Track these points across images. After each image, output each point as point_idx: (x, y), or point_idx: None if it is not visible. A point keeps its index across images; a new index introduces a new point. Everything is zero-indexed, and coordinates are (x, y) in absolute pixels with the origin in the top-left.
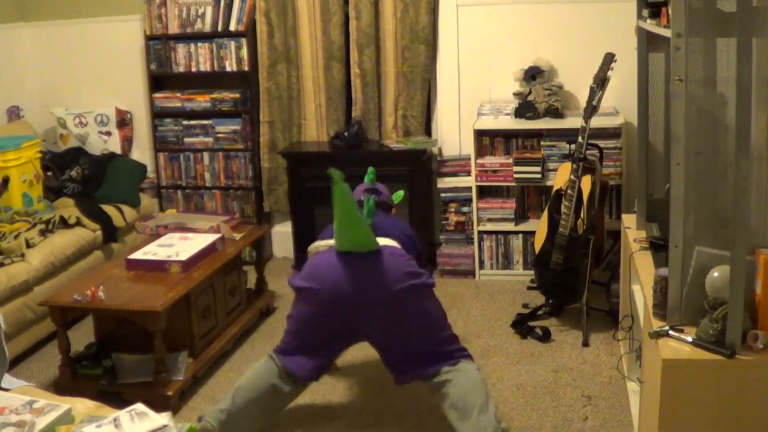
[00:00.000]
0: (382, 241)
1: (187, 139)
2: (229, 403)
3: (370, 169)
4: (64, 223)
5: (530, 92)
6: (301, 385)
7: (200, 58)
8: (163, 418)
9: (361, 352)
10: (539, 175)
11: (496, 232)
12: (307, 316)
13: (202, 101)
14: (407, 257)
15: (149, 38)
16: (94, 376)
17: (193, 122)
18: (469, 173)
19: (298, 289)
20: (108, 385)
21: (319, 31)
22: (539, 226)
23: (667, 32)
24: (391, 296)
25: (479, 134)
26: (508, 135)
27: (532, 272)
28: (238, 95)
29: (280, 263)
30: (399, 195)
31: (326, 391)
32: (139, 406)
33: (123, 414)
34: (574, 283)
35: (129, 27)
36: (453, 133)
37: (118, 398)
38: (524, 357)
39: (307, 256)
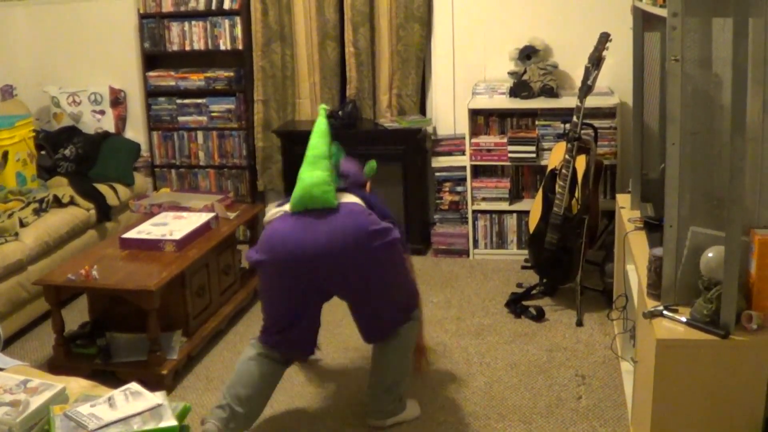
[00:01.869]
0: (343, 197)
1: (181, 118)
2: (227, 400)
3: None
4: (58, 202)
5: (525, 71)
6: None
7: (194, 36)
8: (158, 397)
9: (358, 346)
10: (534, 155)
11: (491, 212)
12: (272, 288)
13: (196, 80)
14: (367, 213)
15: (143, 16)
16: (88, 355)
17: (187, 101)
18: (463, 152)
19: (255, 263)
20: (102, 365)
21: (313, 9)
22: (533, 205)
23: (663, 12)
24: (352, 257)
25: (474, 113)
26: (502, 114)
27: (526, 252)
28: (232, 74)
29: None
30: (371, 166)
31: (324, 384)
32: (134, 386)
33: (117, 393)
34: (568, 263)
35: (123, 5)
36: (447, 112)
37: (112, 377)
38: (518, 336)
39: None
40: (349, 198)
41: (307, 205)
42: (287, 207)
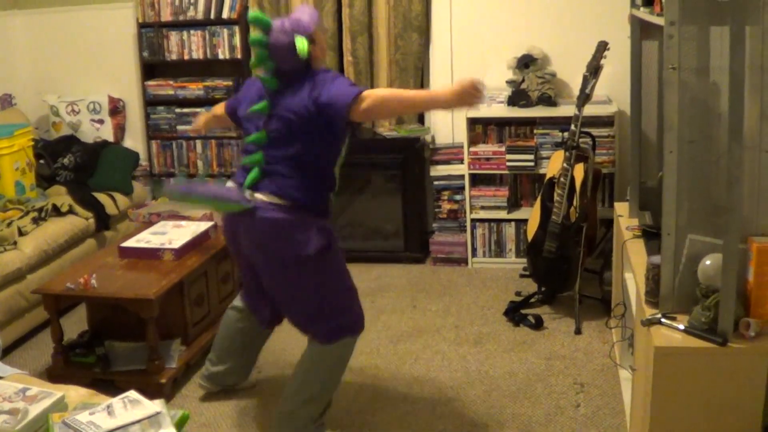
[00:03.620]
0: (260, 196)
1: (179, 127)
2: (212, 360)
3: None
4: (57, 211)
5: (523, 80)
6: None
7: (193, 45)
8: (156, 405)
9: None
10: (532, 163)
11: (489, 220)
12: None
13: (194, 89)
14: (283, 219)
15: (142, 26)
16: (87, 363)
17: (185, 110)
18: (461, 161)
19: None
20: (101, 373)
21: None
22: (532, 214)
23: (660, 20)
24: (265, 259)
25: (472, 122)
26: (501, 123)
27: (524, 260)
28: (230, 83)
29: None
30: (302, 46)
31: None
32: (132, 394)
33: (116, 401)
34: (566, 271)
35: (121, 14)
36: (446, 120)
37: (111, 386)
38: (517, 345)
39: None
40: (268, 199)
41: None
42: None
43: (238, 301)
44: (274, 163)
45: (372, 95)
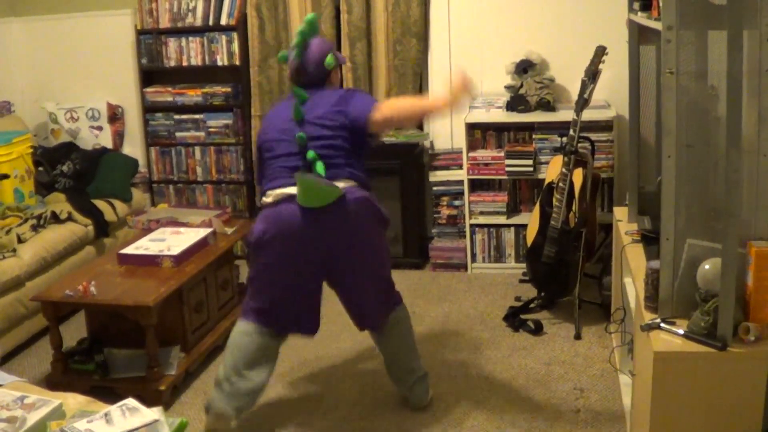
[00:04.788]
0: (340, 184)
1: (178, 134)
2: (227, 375)
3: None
4: (56, 219)
5: (522, 85)
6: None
7: (191, 52)
8: (155, 413)
9: (354, 344)
10: (531, 168)
11: (488, 226)
12: (275, 264)
13: (193, 95)
14: (367, 196)
15: (140, 32)
16: (86, 371)
17: (184, 116)
18: (460, 166)
19: (260, 241)
20: (100, 380)
21: None
22: (531, 219)
23: (657, 25)
24: (354, 239)
25: (471, 127)
26: (499, 128)
27: (524, 265)
28: (229, 89)
29: None
30: (306, 25)
31: (321, 383)
32: (131, 401)
33: (114, 409)
34: (566, 276)
35: (120, 21)
36: (445, 126)
37: (110, 393)
38: (516, 350)
39: (261, 207)
40: (344, 183)
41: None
42: (288, 191)
43: (246, 326)
44: (326, 157)
45: (385, 102)
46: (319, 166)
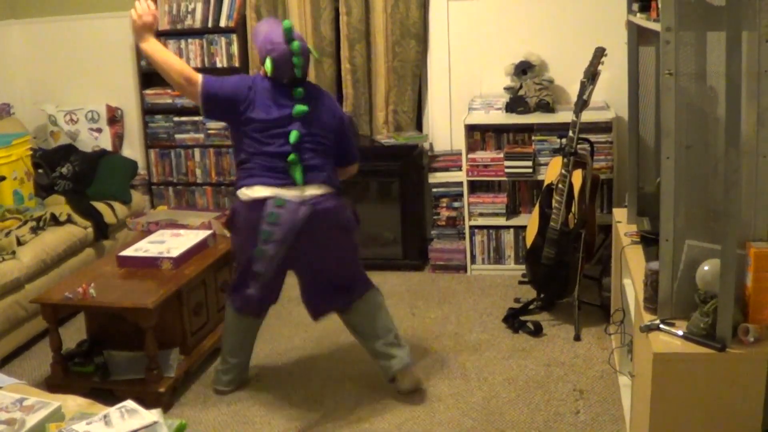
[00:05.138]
0: (315, 190)
1: (177, 136)
2: (226, 356)
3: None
4: (55, 221)
5: (521, 87)
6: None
7: (191, 54)
8: (153, 415)
9: (353, 346)
10: (530, 170)
11: (488, 227)
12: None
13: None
14: (338, 205)
15: None
16: (86, 373)
17: (183, 118)
18: (460, 168)
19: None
20: (100, 383)
21: (309, 26)
22: (530, 220)
23: (656, 26)
24: (327, 235)
25: (470, 129)
26: (499, 130)
27: (523, 267)
28: None
29: None
30: (285, 26)
31: (320, 384)
32: (129, 403)
33: (113, 411)
34: (565, 278)
35: (119, 23)
36: (444, 128)
37: (110, 395)
38: (516, 351)
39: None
40: (321, 190)
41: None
42: (275, 192)
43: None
44: (309, 159)
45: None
46: (299, 171)
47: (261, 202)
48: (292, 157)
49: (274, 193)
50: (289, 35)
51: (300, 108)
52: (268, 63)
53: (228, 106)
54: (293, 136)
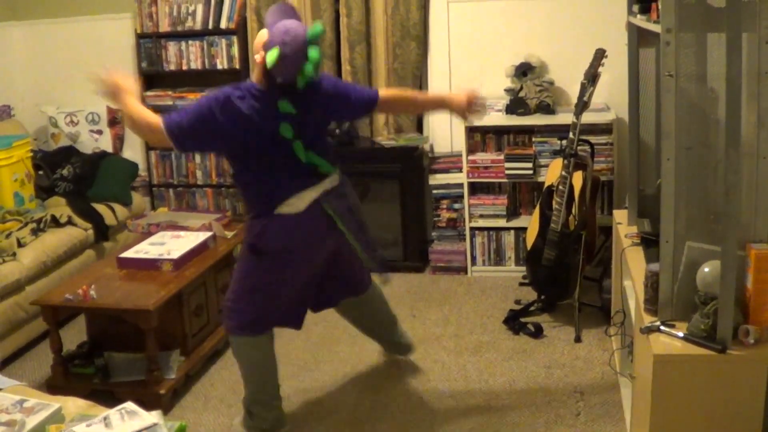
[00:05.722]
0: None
1: None
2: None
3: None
4: (56, 222)
5: (521, 88)
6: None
7: (191, 56)
8: (153, 417)
9: (354, 348)
10: (531, 171)
11: (488, 229)
12: (288, 276)
13: (193, 99)
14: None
15: (140, 36)
16: (86, 375)
17: None
18: (460, 170)
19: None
20: (100, 384)
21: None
22: (531, 222)
23: (657, 27)
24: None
25: (470, 131)
26: (499, 131)
27: (524, 268)
28: None
29: None
30: (315, 29)
31: (321, 387)
32: (129, 405)
33: (113, 413)
34: (566, 279)
35: (120, 25)
36: (444, 129)
37: (110, 397)
38: (516, 353)
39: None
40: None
41: None
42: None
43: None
44: (319, 155)
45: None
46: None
47: (315, 205)
48: (297, 145)
49: (318, 192)
50: (314, 39)
51: (285, 129)
52: (274, 53)
53: (201, 131)
54: (286, 130)
